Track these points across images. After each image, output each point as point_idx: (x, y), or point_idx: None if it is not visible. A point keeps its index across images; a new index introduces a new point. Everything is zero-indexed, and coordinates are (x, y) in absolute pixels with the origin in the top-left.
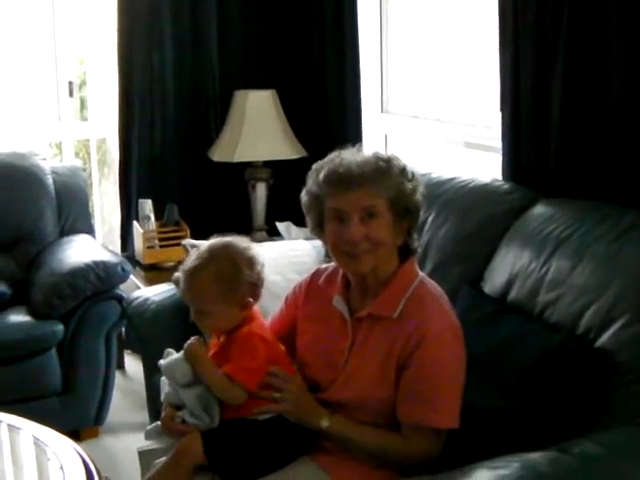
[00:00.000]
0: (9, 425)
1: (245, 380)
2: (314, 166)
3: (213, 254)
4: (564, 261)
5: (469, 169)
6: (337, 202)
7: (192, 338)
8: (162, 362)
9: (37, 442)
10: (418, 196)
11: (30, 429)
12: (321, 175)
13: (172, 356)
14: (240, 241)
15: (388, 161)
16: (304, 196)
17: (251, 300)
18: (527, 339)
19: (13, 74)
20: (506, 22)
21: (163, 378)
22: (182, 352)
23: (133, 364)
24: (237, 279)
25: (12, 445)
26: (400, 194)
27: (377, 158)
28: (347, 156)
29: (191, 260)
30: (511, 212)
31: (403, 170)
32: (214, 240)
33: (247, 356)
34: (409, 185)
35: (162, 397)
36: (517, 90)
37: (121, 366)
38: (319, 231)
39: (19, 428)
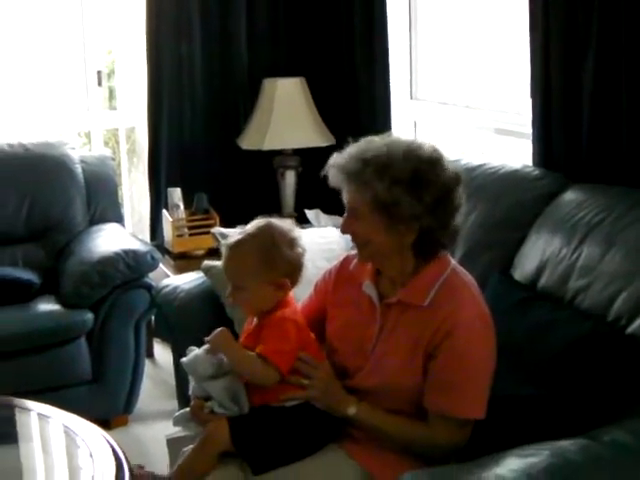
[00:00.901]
0: (39, 414)
1: (279, 362)
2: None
3: (255, 231)
4: (595, 248)
5: (499, 155)
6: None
7: (217, 329)
8: (184, 360)
9: (67, 430)
10: (412, 202)
11: (60, 417)
12: (331, 162)
13: (193, 352)
14: (284, 222)
15: (366, 162)
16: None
17: (287, 281)
18: (558, 326)
19: (42, 64)
20: (536, 7)
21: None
22: (203, 347)
23: (162, 352)
24: (275, 256)
25: (42, 433)
26: (382, 198)
27: (358, 159)
28: (354, 149)
29: (234, 236)
30: (541, 198)
31: (378, 172)
32: (259, 219)
33: (280, 339)
34: (380, 186)
35: (189, 391)
36: (548, 76)
37: (150, 354)
38: None
39: (49, 417)
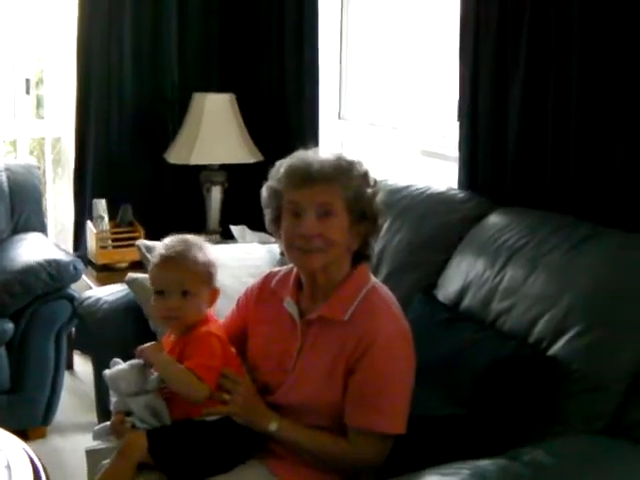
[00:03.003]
0: None
1: (207, 377)
2: (277, 162)
3: (191, 242)
4: (518, 270)
5: (425, 177)
6: (295, 196)
7: (146, 344)
8: (107, 372)
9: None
10: (377, 203)
11: None
12: (282, 170)
13: (117, 366)
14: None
15: (351, 163)
16: (264, 191)
17: (218, 288)
18: (480, 347)
19: None
20: (466, 33)
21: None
22: (128, 362)
23: (82, 364)
24: (213, 265)
25: None
26: (358, 197)
27: (340, 158)
28: (310, 154)
29: (167, 248)
30: (466, 221)
31: (365, 174)
32: (178, 235)
33: (208, 355)
34: (369, 190)
35: (111, 406)
36: (475, 100)
37: (70, 366)
38: (275, 227)
39: None
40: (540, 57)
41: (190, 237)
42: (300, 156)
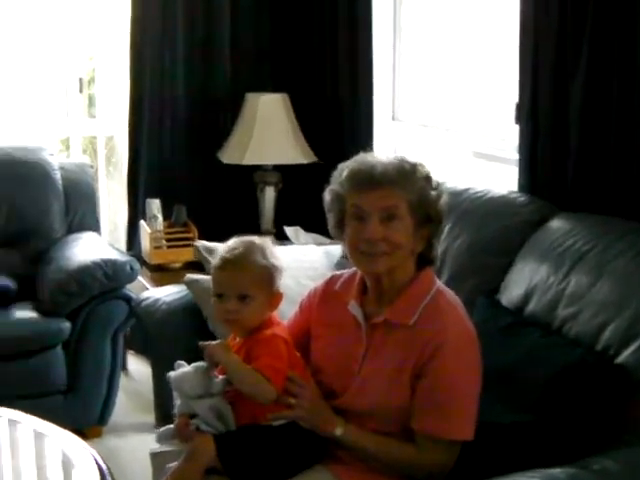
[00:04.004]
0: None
1: (275, 378)
2: (339, 165)
3: (253, 245)
4: (583, 276)
5: (479, 180)
6: (358, 200)
7: (212, 342)
8: (172, 374)
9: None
10: (441, 205)
11: (52, 434)
12: (344, 173)
13: (181, 369)
14: (266, 241)
15: (413, 165)
16: (327, 195)
17: (281, 292)
18: (547, 353)
19: (25, 69)
20: (527, 35)
21: (174, 391)
22: (193, 365)
23: (136, 365)
24: (276, 268)
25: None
26: (422, 199)
27: (402, 161)
28: (373, 157)
29: (228, 251)
30: (528, 225)
31: (428, 177)
32: (243, 237)
33: (274, 356)
34: (433, 192)
35: (175, 409)
36: (535, 102)
37: (124, 366)
38: (338, 231)
39: (44, 434)
40: (602, 58)
41: (254, 239)
42: (362, 159)
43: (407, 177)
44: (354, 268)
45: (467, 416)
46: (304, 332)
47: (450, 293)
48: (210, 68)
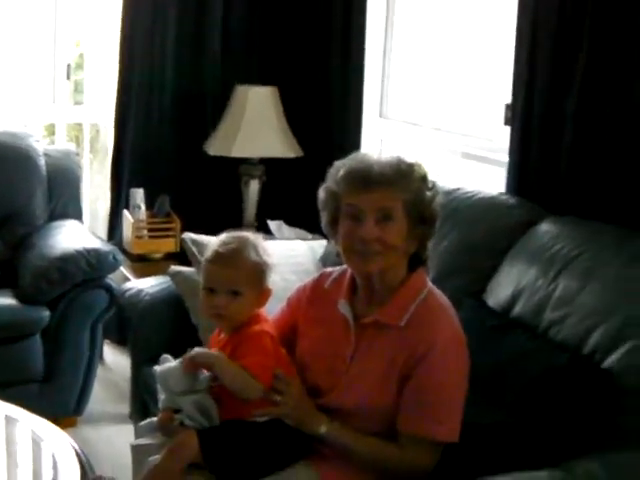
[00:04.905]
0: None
1: (262, 376)
2: (335, 163)
3: (246, 240)
4: (572, 281)
5: (466, 180)
6: (354, 199)
7: (195, 348)
8: (157, 369)
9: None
10: (435, 206)
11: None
12: (341, 172)
13: (167, 363)
14: (257, 236)
15: (410, 166)
16: (321, 192)
17: (270, 289)
18: (534, 355)
19: (12, 54)
20: (522, 37)
21: (158, 385)
22: (178, 360)
23: (112, 354)
24: (268, 265)
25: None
26: (418, 200)
27: (400, 161)
28: (370, 156)
29: (221, 245)
30: (517, 227)
31: (424, 177)
32: (236, 232)
33: (261, 353)
34: (428, 193)
35: (159, 404)
36: (529, 105)
37: (100, 356)
38: (331, 229)
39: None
40: (598, 61)
41: (248, 235)
42: (359, 158)
43: (404, 178)
44: (344, 266)
45: (453, 418)
46: (291, 328)
47: (441, 295)
48: (200, 59)
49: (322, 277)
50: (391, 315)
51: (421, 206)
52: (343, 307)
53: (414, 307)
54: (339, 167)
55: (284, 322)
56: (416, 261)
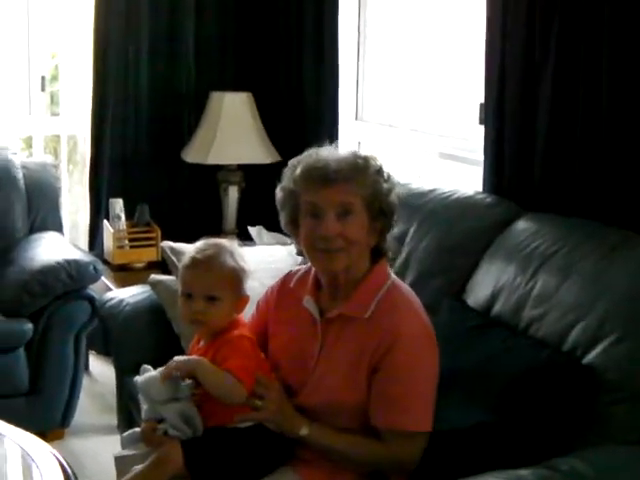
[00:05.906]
0: None
1: (245, 379)
2: (290, 162)
3: (223, 247)
4: (550, 277)
5: (444, 180)
6: (313, 197)
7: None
8: (138, 379)
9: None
10: (393, 198)
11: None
12: (298, 170)
13: (148, 373)
14: (233, 242)
15: (365, 159)
16: (279, 192)
17: (248, 295)
18: (514, 354)
19: None
20: (493, 33)
21: (140, 395)
22: (158, 370)
23: (98, 365)
24: (244, 271)
25: None
26: (376, 193)
27: (355, 156)
28: (324, 153)
29: (198, 251)
30: (495, 225)
31: (380, 170)
32: (212, 239)
33: (243, 357)
34: (385, 185)
35: (142, 414)
36: (502, 103)
37: (86, 367)
38: (292, 228)
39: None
40: (570, 58)
41: (224, 242)
42: (315, 155)
43: (361, 172)
44: (309, 264)
45: (424, 408)
46: (262, 332)
47: (405, 287)
48: (174, 66)
49: (288, 277)
50: (355, 308)
51: (379, 199)
52: (308, 303)
53: (378, 298)
54: (295, 165)
55: (255, 327)
56: (377, 254)
